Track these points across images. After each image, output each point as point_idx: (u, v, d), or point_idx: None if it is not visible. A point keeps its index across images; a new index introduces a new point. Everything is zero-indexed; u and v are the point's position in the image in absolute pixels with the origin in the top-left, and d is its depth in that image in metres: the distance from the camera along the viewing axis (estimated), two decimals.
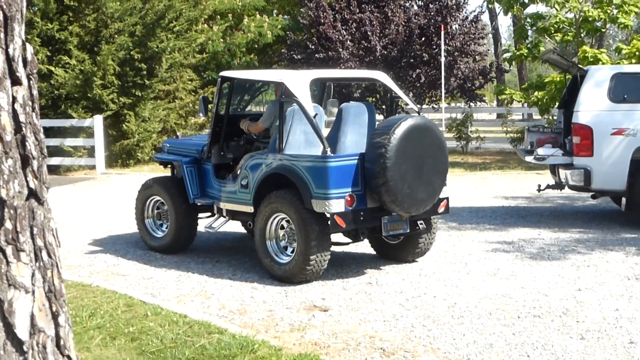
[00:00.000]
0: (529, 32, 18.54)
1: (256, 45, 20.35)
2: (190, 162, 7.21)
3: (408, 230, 6.39)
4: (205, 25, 19.57)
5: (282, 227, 6.28)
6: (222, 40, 19.46)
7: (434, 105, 19.12)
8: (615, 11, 15.77)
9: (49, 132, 15.05)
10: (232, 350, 4.40)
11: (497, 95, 20.04)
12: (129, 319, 5.07)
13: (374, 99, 18.30)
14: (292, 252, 6.18)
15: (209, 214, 7.39)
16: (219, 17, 20.39)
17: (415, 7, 18.61)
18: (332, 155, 5.94)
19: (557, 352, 4.48)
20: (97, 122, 15.05)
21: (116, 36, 16.00)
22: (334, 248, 6.37)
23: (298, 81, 6.28)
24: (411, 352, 4.53)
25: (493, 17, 33.14)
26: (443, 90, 16.64)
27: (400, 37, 17.48)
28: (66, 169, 15.68)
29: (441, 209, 6.55)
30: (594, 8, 15.97)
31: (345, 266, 6.73)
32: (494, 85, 21.16)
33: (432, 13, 17.79)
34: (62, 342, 2.56)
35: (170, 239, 7.28)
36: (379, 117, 17.46)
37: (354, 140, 6.38)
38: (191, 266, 6.87)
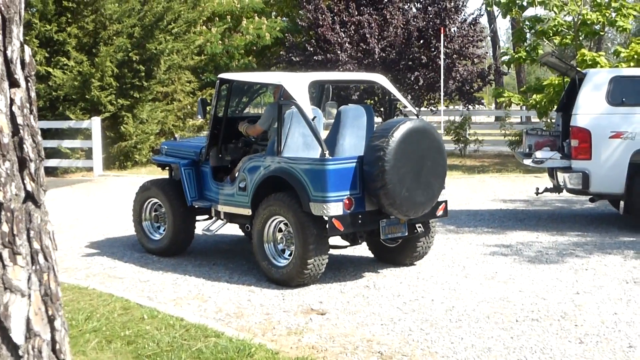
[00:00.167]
0: (528, 35, 18.57)
1: (254, 47, 20.34)
2: (188, 165, 7.20)
3: (406, 234, 6.39)
4: (204, 27, 19.57)
5: (280, 230, 6.27)
6: (220, 42, 19.46)
7: (432, 108, 19.12)
8: (613, 14, 15.80)
9: (47, 133, 15.03)
10: (228, 354, 4.39)
11: (496, 98, 20.09)
12: (125, 322, 5.06)
13: (372, 102, 18.29)
14: (289, 255, 6.18)
15: (207, 216, 7.38)
16: (217, 19, 20.38)
17: (414, 10, 18.62)
18: (330, 158, 5.94)
19: (556, 356, 4.48)
20: (94, 123, 15.03)
21: (114, 38, 15.99)
22: (331, 251, 6.36)
23: (296, 83, 6.27)
24: (409, 355, 4.52)
25: (492, 19, 33.19)
26: (442, 93, 16.64)
27: (398, 40, 17.48)
28: (64, 170, 15.66)
29: (439, 212, 6.54)
30: (592, 11, 16.01)
31: (343, 269, 6.72)
32: (492, 88, 21.20)
33: (431, 16, 17.81)
34: (58, 346, 2.54)
35: (167, 242, 7.27)
36: (378, 119, 17.46)
37: (353, 143, 6.37)
38: (188, 269, 6.86)
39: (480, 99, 19.50)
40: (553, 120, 14.54)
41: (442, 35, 16.47)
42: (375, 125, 6.53)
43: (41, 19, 15.37)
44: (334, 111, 7.01)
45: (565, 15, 17.21)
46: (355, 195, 5.98)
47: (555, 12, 16.35)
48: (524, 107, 21.65)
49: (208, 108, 7.24)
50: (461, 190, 12.02)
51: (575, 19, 16.32)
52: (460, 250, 7.51)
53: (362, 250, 7.30)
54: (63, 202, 11.45)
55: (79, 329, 4.86)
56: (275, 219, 6.22)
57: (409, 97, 17.64)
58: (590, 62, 14.19)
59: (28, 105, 2.52)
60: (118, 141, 16.13)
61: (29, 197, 2.51)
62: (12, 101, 2.45)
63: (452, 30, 18.05)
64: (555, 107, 12.60)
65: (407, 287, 6.09)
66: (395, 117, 7.13)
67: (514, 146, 16.84)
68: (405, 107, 17.09)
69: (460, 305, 5.55)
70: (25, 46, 2.52)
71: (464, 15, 18.56)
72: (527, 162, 8.93)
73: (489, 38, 33.47)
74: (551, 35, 16.96)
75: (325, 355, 4.55)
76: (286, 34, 19.36)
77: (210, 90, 17.93)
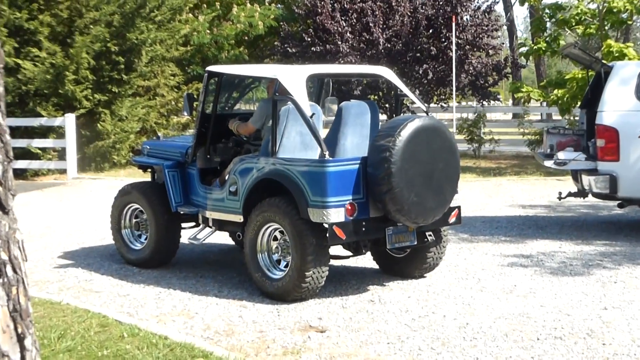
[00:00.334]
0: (548, 24, 18.59)
1: (246, 37, 20.36)
2: (173, 166, 7.19)
3: (415, 243, 6.38)
4: (190, 14, 19.59)
5: (275, 239, 6.26)
6: (208, 31, 19.48)
7: (443, 104, 19.15)
8: None
9: (16, 132, 15.03)
10: None
11: (513, 93, 20.10)
12: (102, 340, 5.05)
13: (376, 97, 18.31)
14: (285, 266, 6.17)
15: (194, 223, 7.36)
16: (205, 5, 20.40)
17: None
18: (330, 159, 5.93)
19: None
20: (68, 121, 15.02)
21: (91, 26, 15.99)
22: (332, 262, 6.35)
23: (293, 77, 6.27)
24: None
25: (508, 7, 33.26)
26: (454, 88, 16.66)
27: (405, 29, 17.50)
28: (34, 173, 15.65)
29: (452, 219, 6.53)
30: None
31: (345, 282, 6.70)
32: (509, 82, 21.22)
33: (441, 3, 17.83)
34: None
35: (149, 252, 7.25)
36: (382, 117, 17.47)
37: (355, 143, 6.37)
38: (173, 282, 6.84)
39: (495, 95, 19.53)
40: (576, 118, 14.56)
41: (453, 24, 16.49)
42: (380, 123, 6.52)
43: (10, 6, 15.37)
44: (335, 108, 7.01)
45: (589, 3, 17.24)
46: (359, 200, 5.97)
47: None
48: (544, 104, 21.67)
49: (195, 104, 7.23)
50: (475, 195, 12.03)
51: (600, 7, 16.35)
52: (474, 261, 7.50)
53: (366, 261, 7.29)
54: (33, 208, 11.43)
55: (51, 349, 4.84)
56: (269, 227, 6.21)
57: (417, 92, 17.65)
58: (617, 54, 14.20)
59: None
60: (94, 140, 16.13)
61: None
62: None
63: (464, 18, 18.08)
64: (579, 103, 12.60)
65: (416, 302, 6.07)
66: (402, 114, 7.12)
67: (533, 146, 16.85)
68: (413, 103, 17.10)
69: (475, 321, 5.54)
70: None
71: (477, 2, 18.60)
72: (549, 163, 8.93)
73: (505, 27, 33.55)
74: (574, 24, 16.98)
75: None
76: (281, 23, 19.38)
77: (197, 84, 17.94)
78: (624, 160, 8.30)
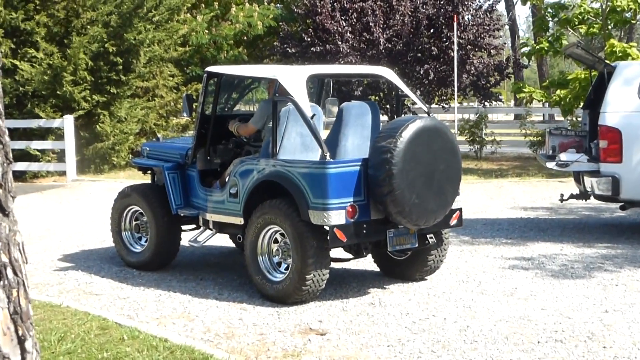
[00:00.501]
0: (550, 24, 18.61)
1: (245, 37, 20.37)
2: (173, 168, 7.21)
3: (416, 245, 6.40)
4: (189, 14, 19.59)
5: (276, 241, 6.28)
6: (207, 31, 19.49)
7: (444, 105, 19.16)
8: None
9: (14, 133, 15.03)
10: None
11: (515, 94, 20.09)
12: (102, 343, 5.07)
13: (377, 98, 18.32)
14: (286, 269, 6.19)
15: (194, 226, 7.39)
16: (203, 5, 20.41)
17: None
18: (331, 160, 5.95)
19: None
20: (67, 122, 15.04)
21: (89, 27, 16.00)
22: (333, 265, 6.37)
23: (293, 78, 6.29)
24: None
25: (510, 6, 33.27)
26: (455, 88, 16.67)
27: (406, 29, 17.52)
28: (33, 175, 15.66)
29: (453, 221, 6.56)
30: None
31: (345, 285, 6.73)
32: (511, 83, 21.25)
33: (442, 2, 17.84)
34: None
35: (149, 254, 7.28)
36: (383, 118, 17.48)
37: (356, 144, 6.39)
38: (173, 284, 6.87)
39: (497, 95, 19.54)
40: (579, 119, 14.58)
41: (454, 24, 16.51)
42: (382, 124, 6.55)
43: (6, 6, 15.38)
44: (335, 109, 7.02)
45: (592, 2, 17.26)
46: (360, 202, 6.00)
47: None
48: (546, 104, 21.68)
49: (194, 105, 7.25)
50: (477, 197, 12.04)
51: (604, 6, 16.37)
52: (475, 264, 7.52)
53: (367, 263, 7.32)
54: (33, 210, 11.45)
55: (51, 351, 4.87)
56: (270, 229, 6.23)
57: (418, 92, 17.67)
58: (620, 54, 14.22)
59: None
60: (93, 142, 16.13)
61: None
62: None
63: (465, 18, 18.09)
64: (582, 104, 12.62)
65: (416, 305, 6.10)
66: (403, 115, 7.15)
67: (535, 147, 16.86)
68: (414, 103, 17.12)
69: (475, 324, 5.57)
70: None
71: (479, 1, 18.61)
72: (551, 165, 8.94)
73: (507, 27, 33.56)
74: (576, 23, 17.00)
75: None
76: (280, 23, 19.39)
77: (195, 85, 17.95)
78: (626, 162, 8.31)
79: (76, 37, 15.64)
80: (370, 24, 17.40)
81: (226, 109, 8.10)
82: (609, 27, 16.75)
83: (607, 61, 10.43)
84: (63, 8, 16.00)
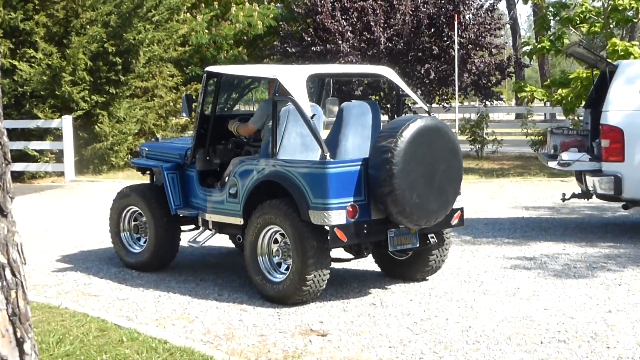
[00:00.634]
0: (552, 23, 18.61)
1: (245, 37, 20.37)
2: (172, 168, 7.21)
3: (417, 245, 6.40)
4: (188, 14, 19.60)
5: (276, 241, 6.28)
6: (207, 31, 19.49)
7: (445, 104, 19.16)
8: None
9: (12, 134, 15.03)
10: None
11: (516, 93, 20.08)
12: (101, 345, 5.07)
13: (377, 98, 18.32)
14: (286, 269, 6.18)
15: (193, 226, 7.38)
16: (203, 5, 20.40)
17: None
18: (331, 160, 5.95)
19: None
20: (66, 123, 15.04)
21: (88, 27, 16.00)
22: (333, 265, 6.37)
23: (293, 77, 6.29)
24: None
25: (511, 5, 33.27)
26: (457, 87, 16.66)
27: (407, 28, 17.52)
28: (31, 175, 15.66)
29: (455, 221, 6.55)
30: None
31: (346, 285, 6.72)
32: (512, 82, 21.24)
33: (443, 1, 17.85)
34: None
35: (149, 255, 7.27)
36: (384, 117, 17.48)
37: (357, 144, 6.39)
38: (172, 285, 6.86)
39: (498, 94, 19.54)
40: (581, 118, 14.57)
41: (455, 23, 16.51)
42: (382, 124, 6.54)
43: (5, 6, 15.39)
44: (336, 108, 7.02)
45: (593, 1, 17.26)
46: (360, 202, 5.99)
47: None
48: (548, 104, 21.67)
49: (194, 105, 7.25)
50: (478, 197, 12.04)
51: (605, 5, 16.36)
52: (477, 264, 7.52)
53: (368, 264, 7.31)
54: (31, 211, 11.45)
55: (49, 353, 4.86)
56: (270, 229, 6.23)
57: (419, 92, 17.67)
58: (622, 53, 14.21)
59: None
60: (92, 142, 16.13)
61: None
62: None
63: (466, 17, 18.10)
64: (583, 103, 12.62)
65: (418, 305, 6.09)
66: (403, 115, 7.14)
67: (537, 147, 16.85)
68: (414, 103, 17.13)
69: (477, 325, 5.56)
70: None
71: (480, 0, 18.61)
72: (552, 164, 8.94)
73: (508, 26, 33.54)
74: (578, 22, 16.99)
75: None
76: (280, 22, 19.39)
77: (195, 85, 17.95)
78: (629, 161, 8.31)
79: (75, 37, 15.65)
80: (371, 23, 17.40)
81: (226, 109, 8.10)
82: (611, 25, 16.75)
83: (608, 60, 10.42)
84: (62, 8, 16.00)
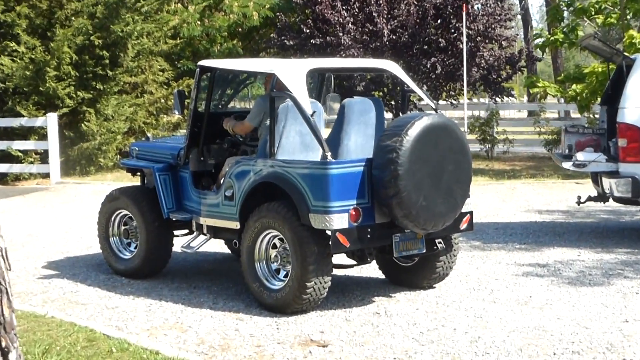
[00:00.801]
0: (565, 14, 18.64)
1: (240, 29, 20.38)
2: (164, 169, 7.23)
3: (424, 251, 6.42)
4: (179, 4, 19.60)
5: (274, 247, 6.30)
6: (199, 22, 19.49)
7: (453, 101, 19.17)
8: None
9: None
10: None
11: (528, 89, 20.14)
12: (90, 356, 5.09)
13: (380, 94, 18.33)
14: (285, 276, 6.21)
15: (187, 231, 7.40)
16: None
17: None
18: (333, 161, 5.97)
19: None
20: (50, 121, 15.06)
21: (73, 18, 16.02)
22: (335, 271, 6.39)
23: (292, 72, 6.31)
24: None
25: None
26: (466, 82, 16.67)
27: (411, 19, 17.53)
28: (15, 177, 15.68)
29: (463, 225, 6.57)
30: None
31: (348, 293, 6.74)
32: (523, 77, 21.27)
33: None
34: None
35: (139, 261, 7.29)
36: (388, 115, 17.50)
37: (359, 143, 6.41)
38: (164, 293, 6.88)
39: (509, 90, 19.55)
40: (596, 116, 14.60)
41: (464, 14, 16.52)
42: (386, 122, 6.56)
43: None
44: (337, 105, 7.04)
45: None
46: (363, 205, 6.01)
47: None
48: (561, 100, 21.70)
49: (186, 102, 7.27)
50: (488, 199, 12.06)
51: None
52: (487, 271, 7.54)
53: (371, 270, 7.33)
54: (14, 215, 11.46)
55: None
56: (268, 234, 6.25)
57: (425, 87, 17.68)
58: (639, 46, 14.23)
59: None
60: (79, 142, 16.15)
61: None
62: None
63: (475, 7, 18.11)
64: (599, 99, 12.65)
65: (424, 314, 6.12)
66: (409, 112, 7.16)
67: (550, 147, 16.88)
68: (420, 99, 17.12)
69: (487, 335, 5.58)
70: None
71: None
72: (567, 165, 8.96)
73: (519, 17, 33.60)
74: (593, 13, 17.03)
75: None
76: (277, 13, 19.39)
77: (188, 80, 17.96)
78: None
79: (60, 29, 15.66)
80: (374, 14, 17.41)
81: (220, 106, 8.12)
82: (628, 17, 16.77)
83: (625, 53, 10.45)
84: None
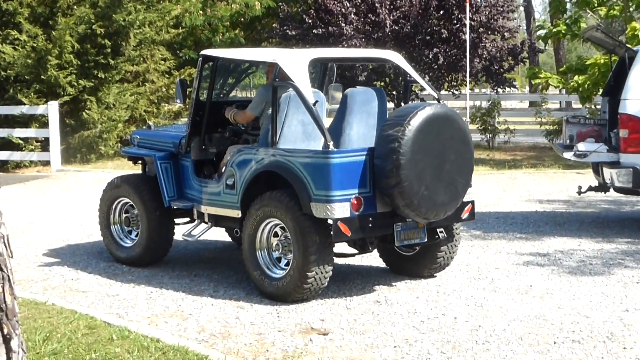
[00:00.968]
0: (568, 5, 18.56)
1: (242, 19, 20.34)
2: (166, 158, 7.22)
3: (426, 240, 6.42)
4: None
5: (276, 235, 6.29)
6: (201, 12, 19.46)
7: (455, 91, 19.14)
8: None
9: None
10: None
11: (530, 80, 20.08)
12: (90, 343, 5.09)
13: (382, 84, 18.30)
14: (286, 265, 6.20)
15: (188, 219, 7.39)
16: None
17: None
18: (335, 150, 5.96)
19: None
20: (51, 109, 15.03)
21: (75, 7, 15.98)
22: (336, 260, 6.38)
23: (294, 62, 6.29)
24: None
25: None
26: (468, 72, 16.64)
27: (414, 10, 17.49)
28: (15, 165, 15.67)
29: (465, 215, 6.57)
30: None
31: (349, 281, 6.75)
32: (526, 68, 21.21)
33: None
34: None
35: (140, 249, 7.29)
36: (389, 105, 17.47)
37: (361, 133, 6.40)
38: (165, 281, 6.89)
39: (511, 81, 19.52)
40: (598, 107, 14.57)
41: (466, 5, 16.48)
42: (389, 112, 6.55)
43: None
44: (339, 95, 7.02)
45: None
46: (365, 194, 6.01)
47: None
48: (563, 91, 21.65)
49: (188, 91, 7.25)
50: (489, 189, 12.05)
51: None
52: (488, 260, 7.54)
53: (372, 259, 7.33)
54: (15, 202, 11.46)
55: (36, 352, 4.89)
56: (269, 222, 6.24)
57: (427, 78, 17.65)
58: None
59: None
60: (79, 130, 16.14)
61: None
62: None
63: None
64: (601, 90, 12.62)
65: (425, 303, 6.12)
66: (410, 102, 7.15)
67: (551, 137, 16.86)
68: (422, 90, 17.10)
69: (488, 324, 5.58)
70: None
71: None
72: (568, 155, 8.95)
73: (521, 8, 33.51)
74: (596, 5, 16.95)
75: None
76: (280, 3, 19.35)
77: (189, 69, 17.94)
78: None
79: (62, 18, 15.62)
80: (376, 4, 17.37)
81: (222, 95, 8.10)
82: (631, 8, 16.70)
83: (628, 45, 10.42)
84: None
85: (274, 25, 19.26)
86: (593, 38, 10.34)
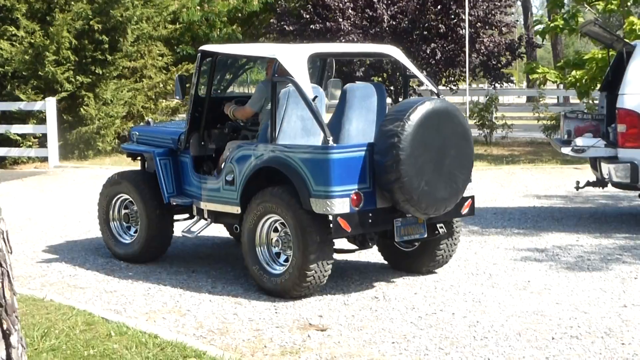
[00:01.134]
0: (566, 0, 18.57)
1: (240, 14, 20.31)
2: (165, 154, 7.21)
3: (425, 236, 6.41)
4: None
5: (276, 230, 6.28)
6: (198, 7, 19.43)
7: (452, 87, 19.14)
8: None
9: None
10: None
11: (528, 75, 20.09)
12: (88, 339, 5.09)
13: (380, 79, 18.30)
14: (285, 261, 6.20)
15: (187, 215, 7.39)
16: None
17: None
18: (334, 145, 5.95)
19: None
20: (49, 105, 15.02)
21: (72, 3, 15.95)
22: (335, 256, 6.38)
23: (294, 57, 6.28)
24: None
25: None
26: (467, 67, 16.63)
27: (411, 5, 17.48)
28: (13, 161, 15.66)
29: (465, 210, 6.56)
30: None
31: (347, 277, 6.75)
32: (523, 63, 21.24)
33: None
34: None
35: (139, 246, 7.28)
36: (387, 100, 17.46)
37: (361, 128, 6.39)
38: (163, 277, 6.88)
39: (509, 76, 19.50)
40: (596, 102, 14.58)
41: (465, 0, 16.46)
42: (388, 107, 6.54)
43: None
44: (338, 90, 7.02)
45: None
46: (365, 189, 6.00)
47: None
48: (561, 86, 21.66)
49: (187, 86, 7.24)
50: (487, 184, 12.05)
51: None
52: (486, 255, 7.54)
53: (370, 255, 7.33)
54: (13, 198, 11.45)
55: (34, 348, 4.88)
56: (269, 218, 6.23)
57: (424, 73, 17.64)
58: None
59: None
60: (77, 126, 16.12)
61: None
62: None
63: None
64: (599, 85, 12.62)
65: (423, 299, 6.12)
66: (409, 97, 7.14)
67: (549, 132, 16.86)
68: (420, 85, 17.12)
69: (486, 320, 5.59)
70: None
71: None
72: (566, 150, 8.95)
73: (519, 3, 33.50)
74: (593, 0, 16.96)
75: None
76: None
77: (187, 65, 17.92)
78: None
79: (59, 14, 15.60)
80: (373, 0, 17.35)
81: (219, 91, 8.09)
82: (628, 3, 16.71)
83: (626, 40, 10.41)
84: None
85: (271, 20, 19.24)
86: (591, 33, 10.34)
